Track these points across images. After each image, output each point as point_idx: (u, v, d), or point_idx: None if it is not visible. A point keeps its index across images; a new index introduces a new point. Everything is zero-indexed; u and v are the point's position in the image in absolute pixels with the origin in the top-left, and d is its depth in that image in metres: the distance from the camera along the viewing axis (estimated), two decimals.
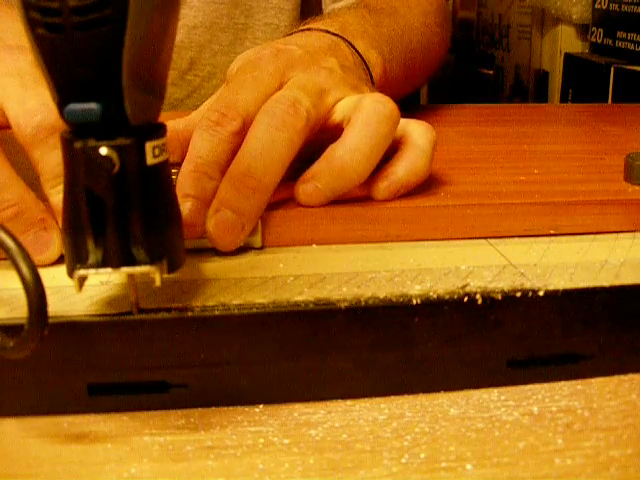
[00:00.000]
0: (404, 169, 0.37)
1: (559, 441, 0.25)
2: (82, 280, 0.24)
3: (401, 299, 0.26)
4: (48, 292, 0.22)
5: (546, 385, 0.28)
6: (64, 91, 0.22)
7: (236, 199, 0.31)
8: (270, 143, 0.33)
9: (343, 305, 0.26)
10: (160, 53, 0.23)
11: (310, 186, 0.35)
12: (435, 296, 0.27)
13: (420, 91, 1.20)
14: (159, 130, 0.24)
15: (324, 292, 0.27)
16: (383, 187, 0.36)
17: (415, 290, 0.27)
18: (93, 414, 0.26)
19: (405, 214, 0.35)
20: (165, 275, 0.24)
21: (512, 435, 0.25)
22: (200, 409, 0.26)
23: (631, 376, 0.29)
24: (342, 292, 0.27)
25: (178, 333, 0.26)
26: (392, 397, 0.27)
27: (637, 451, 0.24)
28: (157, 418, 0.26)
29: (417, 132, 0.38)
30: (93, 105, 0.21)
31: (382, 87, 0.48)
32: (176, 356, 0.26)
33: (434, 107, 0.63)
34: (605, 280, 0.28)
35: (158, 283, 0.23)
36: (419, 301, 0.26)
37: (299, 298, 0.26)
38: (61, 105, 0.22)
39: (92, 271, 0.23)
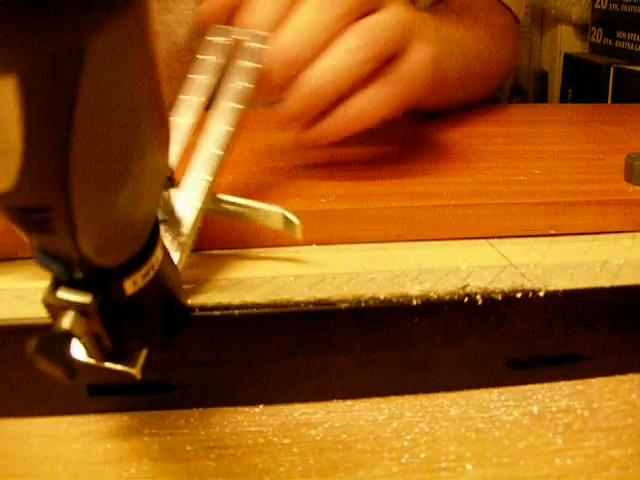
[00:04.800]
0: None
1: (559, 441, 0.25)
2: None
3: (401, 299, 0.26)
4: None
5: (546, 385, 0.28)
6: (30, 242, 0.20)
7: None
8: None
9: (343, 305, 0.26)
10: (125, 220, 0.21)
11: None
12: (435, 296, 0.27)
13: None
14: (140, 261, 0.22)
15: (324, 292, 0.27)
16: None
17: (415, 290, 0.27)
18: (93, 414, 0.26)
19: (405, 214, 0.35)
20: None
21: (512, 435, 0.25)
22: (200, 409, 0.26)
23: (631, 376, 0.29)
24: (342, 292, 0.27)
25: None
26: (392, 397, 0.27)
27: (637, 451, 0.24)
28: (157, 418, 0.26)
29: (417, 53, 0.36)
30: (55, 264, 0.20)
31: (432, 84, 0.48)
32: (176, 356, 0.26)
33: None
34: (605, 280, 0.28)
35: (139, 377, 0.23)
36: (419, 302, 0.26)
37: (299, 298, 0.26)
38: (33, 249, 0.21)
39: (81, 357, 0.23)
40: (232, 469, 0.23)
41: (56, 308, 0.21)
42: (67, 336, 0.20)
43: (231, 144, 0.30)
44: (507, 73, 0.68)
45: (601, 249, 0.32)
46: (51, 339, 0.20)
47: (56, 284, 0.21)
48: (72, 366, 0.20)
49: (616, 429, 0.25)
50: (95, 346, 0.22)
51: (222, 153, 0.29)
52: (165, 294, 0.24)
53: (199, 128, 0.30)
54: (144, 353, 0.23)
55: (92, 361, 0.23)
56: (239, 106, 0.31)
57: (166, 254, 0.24)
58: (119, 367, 0.23)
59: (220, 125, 0.30)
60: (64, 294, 0.21)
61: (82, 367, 0.24)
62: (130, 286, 0.22)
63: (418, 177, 0.39)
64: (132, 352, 0.23)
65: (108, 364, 0.23)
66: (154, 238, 0.22)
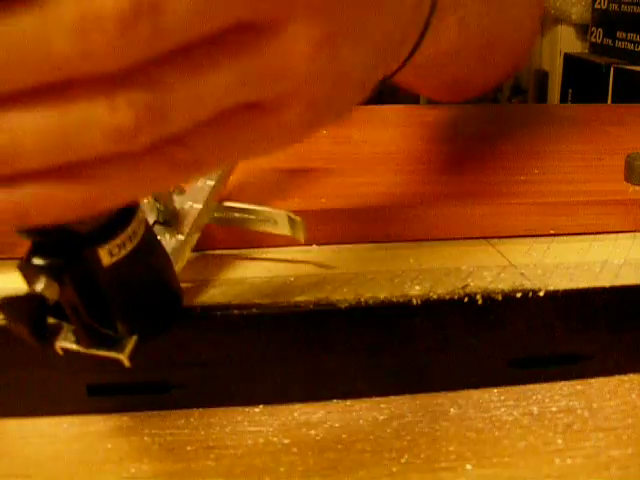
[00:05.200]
0: None
1: (559, 441, 0.25)
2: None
3: (401, 299, 0.26)
4: None
5: (546, 385, 0.28)
6: None
7: None
8: None
9: (343, 305, 0.26)
10: None
11: None
12: (435, 296, 0.27)
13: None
14: (115, 230, 0.22)
15: (324, 292, 0.27)
16: None
17: (415, 290, 0.27)
18: (93, 414, 0.26)
19: (405, 214, 0.35)
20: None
21: (512, 435, 0.25)
22: (200, 409, 0.26)
23: (631, 376, 0.29)
24: (342, 292, 0.27)
25: (178, 333, 0.26)
26: (392, 397, 0.27)
27: (637, 451, 0.24)
28: (157, 418, 0.26)
29: None
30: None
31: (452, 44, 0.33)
32: (176, 356, 0.26)
33: (434, 107, 0.63)
34: (605, 280, 0.28)
35: (127, 364, 0.23)
36: (419, 301, 0.26)
37: (299, 298, 0.26)
38: None
39: (71, 345, 0.23)
40: (232, 469, 0.23)
41: (31, 275, 0.21)
42: (34, 298, 0.21)
43: None
44: (529, 50, 0.51)
45: (601, 249, 0.32)
46: (17, 300, 0.20)
47: (32, 253, 0.21)
48: (40, 329, 0.20)
49: (616, 429, 0.25)
50: (80, 328, 0.22)
51: None
52: (151, 276, 0.24)
53: None
54: (133, 340, 0.23)
55: (78, 348, 0.23)
56: None
57: (154, 237, 0.24)
58: (106, 353, 0.23)
59: None
60: (38, 260, 0.21)
61: (78, 359, 0.24)
62: (106, 256, 0.22)
63: (417, 177, 0.39)
64: (121, 339, 0.23)
65: (95, 350, 0.23)
66: (130, 209, 0.22)
